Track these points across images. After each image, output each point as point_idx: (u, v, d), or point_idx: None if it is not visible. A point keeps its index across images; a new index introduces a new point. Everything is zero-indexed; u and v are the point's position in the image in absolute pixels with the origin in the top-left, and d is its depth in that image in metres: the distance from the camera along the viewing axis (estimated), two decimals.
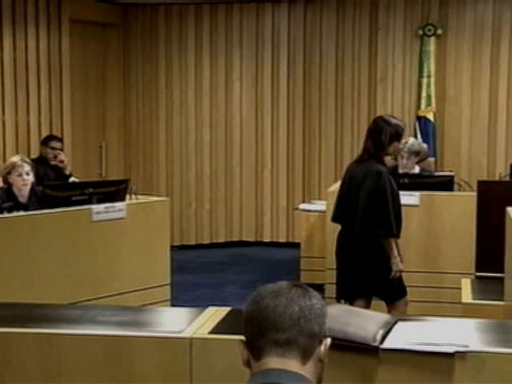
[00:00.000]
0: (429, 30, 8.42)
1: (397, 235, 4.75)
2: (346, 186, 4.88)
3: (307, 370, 1.76)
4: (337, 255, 4.96)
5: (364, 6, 8.62)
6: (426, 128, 8.42)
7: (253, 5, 8.85)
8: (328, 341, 1.82)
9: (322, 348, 1.80)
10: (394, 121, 4.90)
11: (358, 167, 4.84)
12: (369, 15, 8.61)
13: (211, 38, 8.87)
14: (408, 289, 4.90)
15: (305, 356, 1.76)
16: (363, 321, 2.58)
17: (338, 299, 4.90)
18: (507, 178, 6.65)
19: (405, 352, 2.46)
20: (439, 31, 8.41)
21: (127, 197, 5.58)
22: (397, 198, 4.78)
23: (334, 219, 5.00)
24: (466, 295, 4.36)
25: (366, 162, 4.79)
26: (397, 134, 4.84)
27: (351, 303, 4.70)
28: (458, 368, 2.45)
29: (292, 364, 1.74)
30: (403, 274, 4.85)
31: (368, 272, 4.75)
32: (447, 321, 2.90)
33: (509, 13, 8.31)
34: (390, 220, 4.65)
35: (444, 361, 2.45)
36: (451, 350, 2.44)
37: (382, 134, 4.79)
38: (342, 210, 4.88)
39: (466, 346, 2.46)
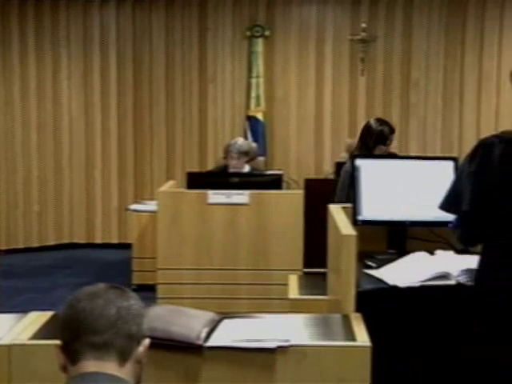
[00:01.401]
0: (257, 31, 8.56)
1: None
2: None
3: (125, 372, 1.74)
4: None
5: (193, 5, 8.65)
6: (255, 128, 8.56)
7: (80, 2, 8.68)
8: (146, 341, 1.81)
9: (141, 349, 1.79)
10: (378, 126, 5.03)
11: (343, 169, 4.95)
12: (198, 15, 8.65)
13: (36, 36, 8.61)
14: (237, 286, 4.94)
15: (123, 358, 1.75)
16: (188, 320, 2.58)
17: None
18: (333, 176, 6.86)
19: (228, 349, 2.49)
20: (267, 32, 8.57)
21: None
22: None
23: None
24: (293, 291, 4.43)
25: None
26: (382, 138, 5.00)
27: None
28: (279, 362, 2.50)
29: (109, 366, 1.72)
30: None
31: None
32: (272, 317, 2.95)
33: (331, 15, 8.59)
34: None
35: (267, 356, 2.49)
36: (273, 345, 2.49)
37: (367, 137, 4.96)
38: None
39: (288, 341, 2.51)
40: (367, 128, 5.08)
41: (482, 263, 2.82)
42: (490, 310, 2.75)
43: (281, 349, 2.50)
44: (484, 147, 2.77)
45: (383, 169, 3.72)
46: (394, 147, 7.98)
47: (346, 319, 2.89)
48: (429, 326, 2.85)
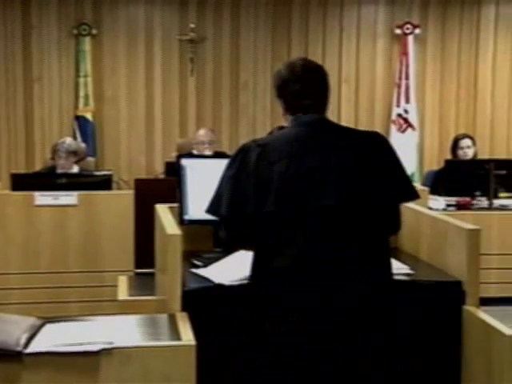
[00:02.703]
0: (84, 30, 8.40)
1: None
2: None
3: None
4: None
5: (15, 4, 8.38)
6: (84, 128, 8.40)
7: None
8: None
9: None
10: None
11: None
12: (21, 13, 8.39)
13: None
14: (67, 289, 4.83)
15: None
16: (6, 326, 2.50)
17: None
18: (163, 176, 6.86)
19: (50, 354, 2.43)
20: (94, 31, 8.43)
21: None
22: None
23: None
24: (123, 292, 4.40)
25: None
26: None
27: None
28: (103, 365, 2.48)
29: None
30: None
31: None
32: (98, 319, 2.91)
33: (159, 15, 8.58)
34: None
35: (90, 359, 2.46)
36: (96, 348, 2.46)
37: None
38: None
39: (111, 343, 2.49)
40: None
41: (252, 265, 2.89)
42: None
43: (105, 351, 2.47)
44: (243, 152, 2.82)
45: (209, 168, 3.75)
46: (225, 147, 8.13)
47: (172, 319, 2.90)
48: (255, 323, 2.89)
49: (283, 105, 2.95)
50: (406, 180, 2.96)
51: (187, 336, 2.66)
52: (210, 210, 2.91)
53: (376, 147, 2.87)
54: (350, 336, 2.77)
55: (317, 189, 2.76)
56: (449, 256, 3.38)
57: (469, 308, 3.15)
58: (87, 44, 8.42)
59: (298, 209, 2.75)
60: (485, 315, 3.03)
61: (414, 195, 2.96)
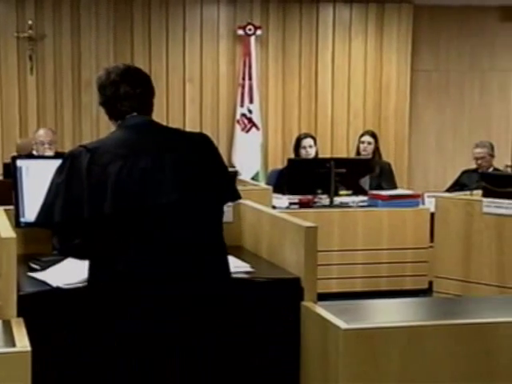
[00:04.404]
0: None
1: None
2: None
3: None
4: None
5: None
6: None
7: None
8: None
9: None
10: None
11: None
12: None
13: None
14: None
15: None
16: None
17: None
18: (1, 178, 6.64)
19: None
20: None
21: None
22: None
23: None
24: None
25: None
26: None
27: None
28: None
29: None
30: None
31: None
32: None
33: None
34: None
35: None
36: None
37: None
38: None
39: None
40: None
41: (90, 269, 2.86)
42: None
43: None
44: (72, 158, 2.81)
45: (47, 169, 3.63)
46: (67, 147, 7.95)
47: (7, 325, 2.81)
48: (93, 325, 2.85)
49: (106, 110, 2.97)
50: (230, 181, 3.07)
51: (22, 342, 2.59)
52: (40, 221, 2.84)
53: (203, 148, 2.93)
54: (190, 335, 2.79)
55: (152, 188, 2.77)
56: (288, 253, 3.45)
57: (307, 304, 3.22)
58: None
59: (135, 209, 2.75)
60: (322, 310, 3.10)
61: (237, 196, 3.07)
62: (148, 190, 2.76)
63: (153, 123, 2.95)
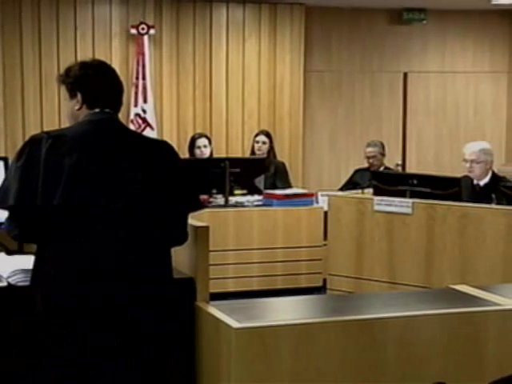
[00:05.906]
0: None
1: None
2: None
3: None
4: None
5: None
6: None
7: None
8: None
9: None
10: None
11: None
12: None
13: None
14: None
15: None
16: None
17: None
18: None
19: None
20: None
21: None
22: None
23: None
24: None
25: None
26: None
27: None
28: None
29: None
30: None
31: None
32: None
33: None
34: None
35: None
36: None
37: None
38: None
39: None
40: None
41: (35, 263, 2.86)
42: (49, 313, 2.77)
43: None
44: (32, 143, 2.81)
45: None
46: None
47: None
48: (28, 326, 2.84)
49: (77, 100, 2.92)
50: (191, 190, 3.03)
51: None
52: None
53: (163, 154, 2.94)
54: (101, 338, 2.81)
55: (104, 188, 2.77)
56: (182, 253, 3.43)
57: (199, 304, 3.21)
58: None
59: (83, 206, 2.75)
60: (214, 310, 3.10)
61: (197, 205, 3.06)
62: (99, 190, 2.76)
63: (117, 122, 2.95)
